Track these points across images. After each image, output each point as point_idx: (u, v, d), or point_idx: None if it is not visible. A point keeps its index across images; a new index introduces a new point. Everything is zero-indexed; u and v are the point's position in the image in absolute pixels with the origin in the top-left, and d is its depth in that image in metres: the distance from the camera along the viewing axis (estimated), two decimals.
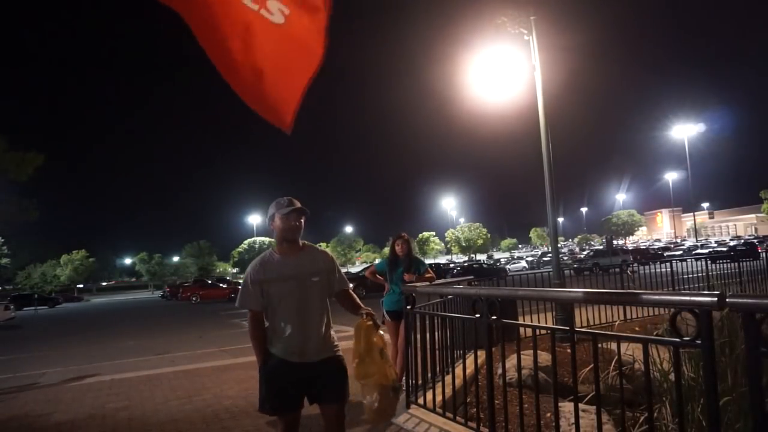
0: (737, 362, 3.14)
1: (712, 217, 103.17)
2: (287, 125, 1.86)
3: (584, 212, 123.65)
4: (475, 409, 3.35)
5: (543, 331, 2.94)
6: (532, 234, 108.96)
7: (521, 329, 3.25)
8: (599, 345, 2.54)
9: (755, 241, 46.50)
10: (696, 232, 71.67)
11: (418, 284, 4.77)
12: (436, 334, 4.01)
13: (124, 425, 4.70)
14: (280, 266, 2.56)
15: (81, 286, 70.99)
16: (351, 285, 2.78)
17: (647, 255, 36.69)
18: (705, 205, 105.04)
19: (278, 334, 2.52)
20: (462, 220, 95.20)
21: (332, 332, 2.63)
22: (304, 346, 2.50)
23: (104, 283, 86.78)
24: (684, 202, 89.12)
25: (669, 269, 9.69)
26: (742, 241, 51.42)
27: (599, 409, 2.40)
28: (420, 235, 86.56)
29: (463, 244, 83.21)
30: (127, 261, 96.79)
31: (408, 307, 4.02)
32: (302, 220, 2.59)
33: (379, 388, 2.44)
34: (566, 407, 3.24)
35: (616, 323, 6.69)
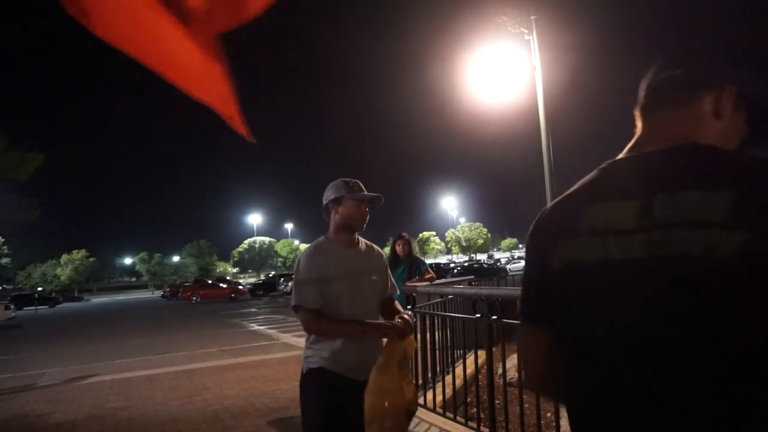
0: None
1: None
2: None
3: None
4: (475, 409, 3.36)
5: None
6: None
7: None
8: None
9: None
10: None
11: (418, 284, 4.78)
12: (437, 334, 4.01)
13: (125, 425, 4.69)
14: (343, 259, 2.19)
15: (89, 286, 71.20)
16: None
17: None
18: None
19: (332, 341, 2.10)
20: (462, 219, 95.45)
21: None
22: (360, 357, 2.07)
23: (107, 281, 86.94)
24: None
25: None
26: None
27: None
28: (420, 235, 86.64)
29: (464, 244, 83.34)
30: (127, 261, 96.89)
31: (408, 306, 4.02)
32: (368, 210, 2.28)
33: (391, 409, 1.96)
34: None
35: None
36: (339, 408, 2.01)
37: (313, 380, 2.08)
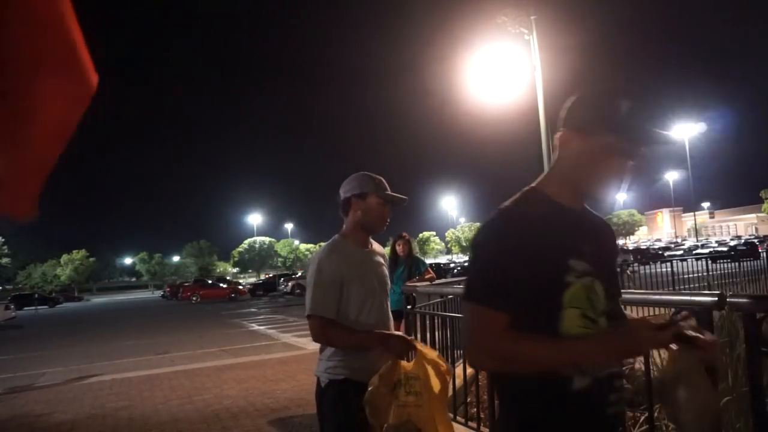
0: (737, 362, 3.14)
1: (713, 217, 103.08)
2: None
3: None
4: (475, 409, 3.36)
5: None
6: None
7: None
8: None
9: (756, 240, 46.45)
10: (696, 231, 71.67)
11: (418, 284, 4.78)
12: (437, 333, 4.00)
13: (125, 425, 4.70)
14: (362, 260, 2.03)
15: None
16: None
17: (648, 255, 36.67)
18: (705, 204, 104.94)
19: (361, 350, 1.94)
20: (462, 219, 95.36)
21: None
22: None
23: (107, 281, 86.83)
24: (684, 201, 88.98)
25: (669, 269, 9.69)
26: (743, 240, 51.39)
27: None
28: (420, 235, 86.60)
29: (464, 244, 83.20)
30: (127, 261, 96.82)
31: (408, 306, 4.02)
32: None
33: (378, 426, 1.82)
34: None
35: None
36: (366, 421, 1.83)
37: (338, 393, 1.89)
